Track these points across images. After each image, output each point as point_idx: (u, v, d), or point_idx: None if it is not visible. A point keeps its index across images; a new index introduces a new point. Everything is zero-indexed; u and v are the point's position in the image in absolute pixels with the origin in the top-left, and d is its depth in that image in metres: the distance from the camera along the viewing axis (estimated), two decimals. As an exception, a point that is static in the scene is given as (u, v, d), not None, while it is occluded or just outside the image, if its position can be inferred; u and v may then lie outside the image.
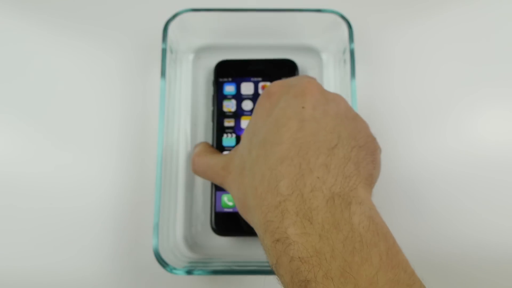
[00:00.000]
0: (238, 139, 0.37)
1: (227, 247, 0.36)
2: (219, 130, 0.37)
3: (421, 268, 0.35)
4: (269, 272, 0.32)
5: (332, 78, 0.39)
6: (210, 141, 0.37)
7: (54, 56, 0.41)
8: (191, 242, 0.36)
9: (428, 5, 0.41)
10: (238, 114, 0.37)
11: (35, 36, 0.41)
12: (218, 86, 0.38)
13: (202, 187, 0.37)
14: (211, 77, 0.39)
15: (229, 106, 0.37)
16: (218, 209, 0.35)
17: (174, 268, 0.31)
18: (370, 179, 0.24)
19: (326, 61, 0.39)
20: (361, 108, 0.37)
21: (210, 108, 0.38)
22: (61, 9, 0.42)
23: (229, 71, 0.38)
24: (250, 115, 0.37)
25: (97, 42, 0.41)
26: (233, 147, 0.36)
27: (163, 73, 0.34)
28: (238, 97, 0.37)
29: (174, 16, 0.35)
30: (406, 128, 0.39)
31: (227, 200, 0.36)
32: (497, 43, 0.40)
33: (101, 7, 0.42)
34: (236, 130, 0.37)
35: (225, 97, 0.37)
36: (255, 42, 0.37)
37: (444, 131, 0.38)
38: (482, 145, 0.38)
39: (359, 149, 0.24)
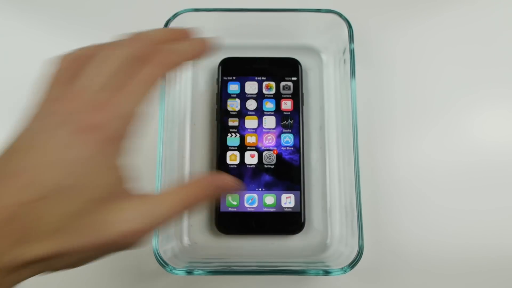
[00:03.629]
0: (242, 139, 0.37)
1: (227, 247, 0.36)
2: (223, 129, 0.37)
3: (420, 269, 0.36)
4: (269, 272, 0.32)
5: (332, 78, 0.39)
6: (213, 140, 0.37)
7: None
8: (191, 242, 0.36)
9: (429, 6, 0.41)
10: (242, 113, 0.37)
11: (34, 37, 0.41)
12: (222, 85, 0.37)
13: (202, 187, 0.37)
14: (212, 77, 0.39)
15: (233, 105, 0.37)
16: (223, 209, 0.35)
17: (174, 268, 0.31)
18: None
19: (326, 61, 0.39)
20: (361, 108, 0.37)
21: (210, 107, 0.38)
22: (60, 10, 0.42)
23: (233, 69, 0.38)
24: (254, 114, 0.37)
25: (96, 43, 0.41)
26: (236, 146, 0.36)
27: (163, 73, 0.34)
28: (242, 96, 0.37)
29: (174, 16, 0.35)
30: (406, 128, 0.38)
31: (231, 199, 0.36)
32: (497, 45, 0.40)
33: (101, 8, 0.42)
34: (240, 129, 0.37)
35: (229, 95, 0.37)
36: (255, 42, 0.37)
37: (444, 131, 0.38)
38: (483, 145, 0.38)
39: None
